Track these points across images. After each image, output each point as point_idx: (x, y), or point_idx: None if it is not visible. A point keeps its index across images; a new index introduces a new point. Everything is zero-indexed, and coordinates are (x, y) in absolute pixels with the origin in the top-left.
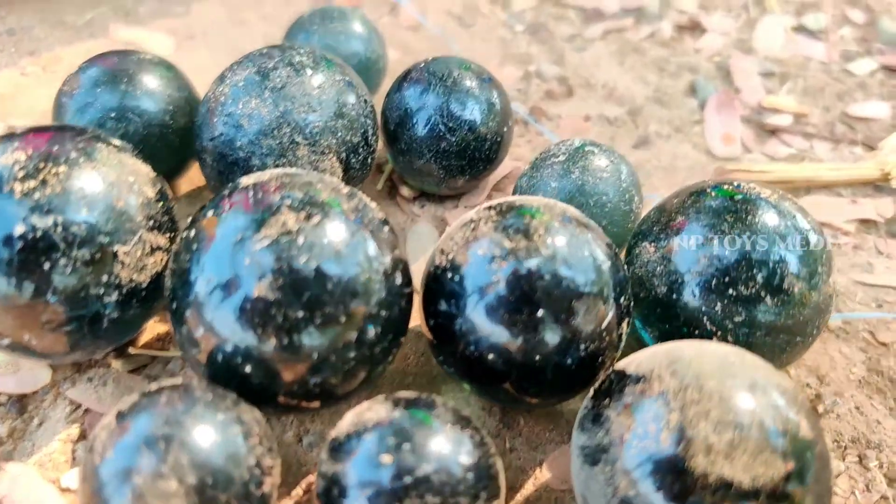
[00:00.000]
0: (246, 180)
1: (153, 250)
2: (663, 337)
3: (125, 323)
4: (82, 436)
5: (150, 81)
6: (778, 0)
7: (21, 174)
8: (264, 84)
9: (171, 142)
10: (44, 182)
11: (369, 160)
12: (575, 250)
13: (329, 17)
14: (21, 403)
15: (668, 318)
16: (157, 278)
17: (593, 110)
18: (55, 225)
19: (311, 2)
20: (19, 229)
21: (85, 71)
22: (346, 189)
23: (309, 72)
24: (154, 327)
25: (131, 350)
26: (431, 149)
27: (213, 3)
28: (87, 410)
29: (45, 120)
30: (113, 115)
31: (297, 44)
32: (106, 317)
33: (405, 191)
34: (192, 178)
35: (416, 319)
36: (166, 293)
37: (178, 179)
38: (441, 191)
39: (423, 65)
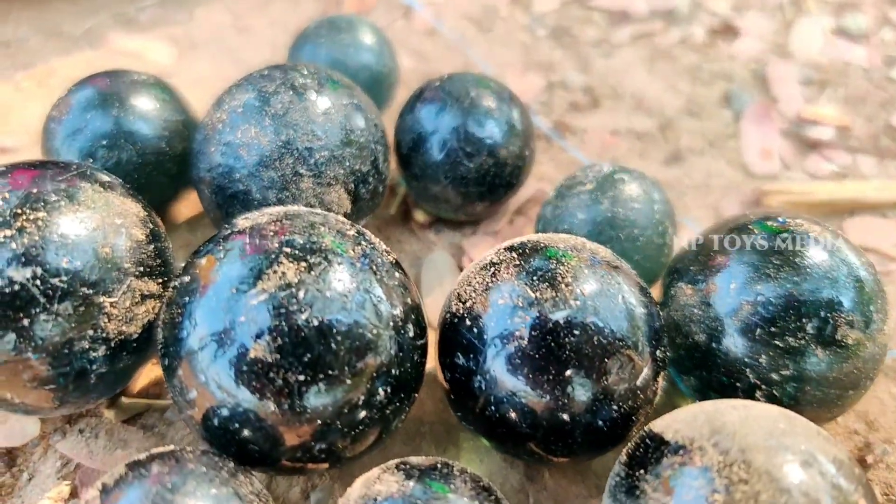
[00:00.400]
0: (243, 222)
1: (144, 298)
2: (700, 385)
3: (116, 375)
4: (73, 493)
5: (145, 104)
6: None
7: None
8: (264, 110)
9: (167, 169)
10: (21, 230)
11: (380, 189)
12: (607, 300)
13: (337, 28)
14: (9, 457)
15: (707, 367)
16: (150, 327)
17: (621, 123)
18: (34, 277)
19: (318, 7)
20: None
21: (74, 94)
22: (352, 230)
23: (313, 95)
24: (149, 371)
25: (124, 399)
26: (448, 175)
27: (216, 9)
28: (78, 465)
29: (36, 140)
30: (104, 142)
31: (300, 63)
32: (93, 372)
33: (419, 216)
34: (194, 201)
35: (434, 359)
36: (158, 346)
37: (177, 205)
38: (458, 217)
39: (437, 83)
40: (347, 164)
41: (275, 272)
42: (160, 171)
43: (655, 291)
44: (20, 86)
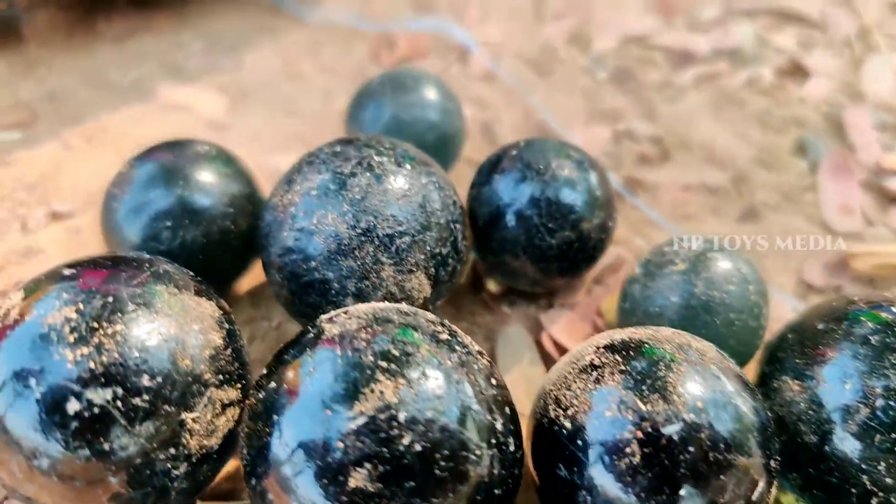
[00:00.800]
0: (330, 327)
1: (224, 408)
2: (807, 484)
3: (195, 486)
4: None
5: (209, 180)
6: (882, 34)
7: (73, 337)
8: (342, 194)
9: (233, 247)
10: (99, 347)
11: (459, 268)
12: (721, 411)
13: (401, 86)
14: None
15: (817, 467)
16: (230, 434)
17: (692, 177)
18: (115, 398)
19: (369, 50)
20: (73, 406)
21: (135, 169)
22: (444, 332)
23: (391, 176)
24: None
25: None
26: (528, 250)
27: (265, 54)
28: None
29: (90, 202)
30: (168, 222)
31: (373, 137)
32: (174, 489)
33: (492, 285)
34: (254, 273)
35: None
36: (242, 462)
37: (240, 280)
38: (534, 290)
39: (514, 152)
40: (428, 248)
41: (372, 391)
42: (225, 249)
43: (748, 372)
44: (69, 143)
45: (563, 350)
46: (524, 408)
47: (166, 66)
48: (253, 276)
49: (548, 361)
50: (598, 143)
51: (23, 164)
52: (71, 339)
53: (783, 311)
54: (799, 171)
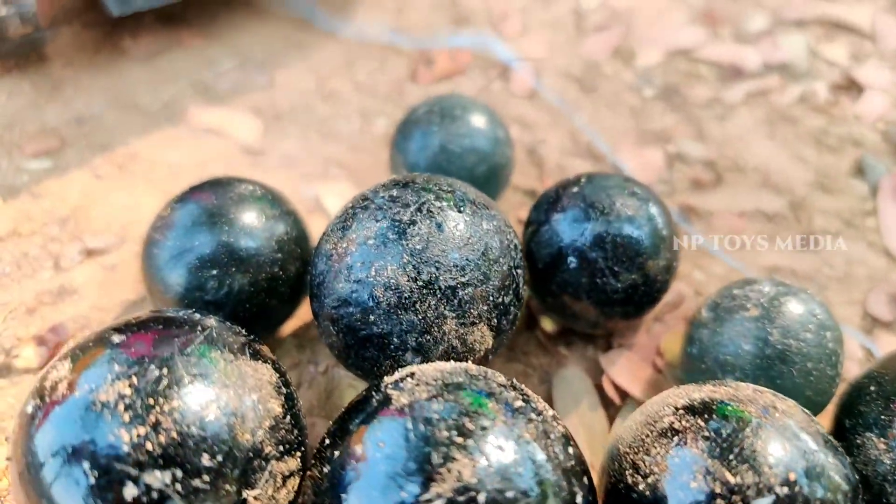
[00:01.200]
0: (397, 395)
1: (285, 480)
2: None
3: None
4: None
5: (255, 223)
6: None
7: (128, 416)
8: (401, 244)
9: (281, 294)
10: (156, 426)
11: (518, 315)
12: (814, 480)
13: (449, 115)
14: None
15: None
16: None
17: (748, 202)
18: (174, 481)
19: (405, 67)
20: (131, 492)
21: (176, 212)
22: (518, 399)
23: (452, 223)
24: None
25: None
26: (591, 294)
27: (297, 72)
28: None
29: (124, 236)
30: (214, 272)
31: (430, 178)
32: None
33: (547, 324)
34: (300, 312)
35: None
36: None
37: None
38: (593, 331)
39: (575, 189)
40: (491, 298)
41: (449, 470)
42: (273, 295)
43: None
44: (99, 172)
45: (623, 394)
46: (587, 457)
47: (196, 86)
48: (297, 317)
49: (608, 406)
50: (651, 169)
51: (53, 196)
52: (126, 417)
53: (851, 346)
54: (859, 195)
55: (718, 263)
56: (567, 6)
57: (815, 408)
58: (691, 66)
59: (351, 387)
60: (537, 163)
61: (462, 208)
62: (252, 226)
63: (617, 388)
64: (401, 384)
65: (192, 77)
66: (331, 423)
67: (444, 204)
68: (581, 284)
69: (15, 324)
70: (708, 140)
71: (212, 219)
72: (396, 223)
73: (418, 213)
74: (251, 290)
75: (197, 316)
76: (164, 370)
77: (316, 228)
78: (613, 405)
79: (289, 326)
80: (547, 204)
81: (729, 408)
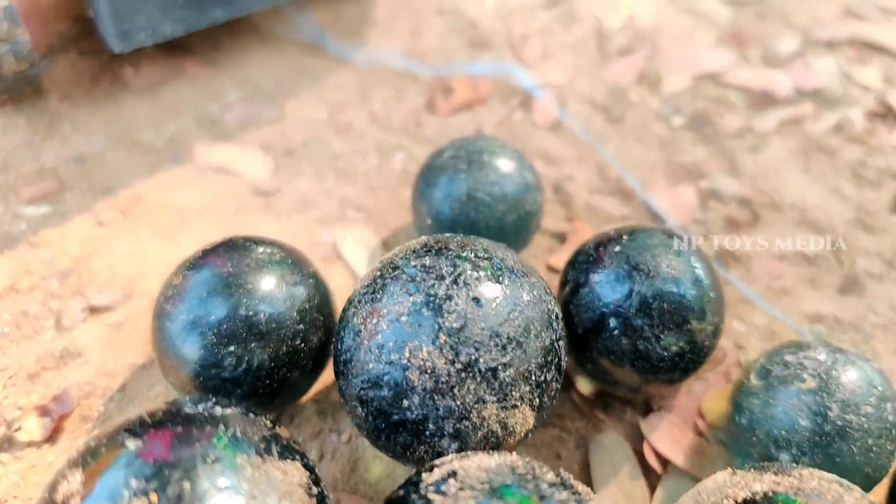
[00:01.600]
0: (441, 501)
1: None
2: None
3: None
4: None
5: (274, 291)
6: None
7: None
8: (437, 322)
9: (304, 366)
10: None
11: (559, 388)
12: None
13: (477, 161)
14: None
15: None
16: None
17: (787, 243)
18: None
19: (423, 95)
20: None
21: (188, 279)
22: (572, 501)
23: (491, 293)
24: None
25: None
26: (635, 361)
27: (309, 102)
28: None
29: (130, 290)
30: (231, 347)
31: (465, 245)
32: None
33: (583, 386)
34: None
35: None
36: None
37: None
38: (632, 396)
39: (616, 248)
40: (533, 378)
41: None
42: (296, 368)
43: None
44: (101, 217)
45: (664, 461)
46: None
47: (202, 120)
48: (318, 382)
49: (649, 474)
50: (685, 209)
51: (53, 246)
52: None
53: None
54: None
55: (759, 312)
56: (590, 26)
57: (873, 482)
58: (720, 92)
59: (377, 458)
60: (565, 202)
61: (501, 278)
62: (272, 295)
63: (658, 455)
64: (442, 487)
65: (198, 110)
66: None
67: (482, 274)
68: (624, 351)
69: (15, 391)
70: (741, 174)
71: (228, 289)
72: (432, 298)
73: (454, 287)
74: (272, 365)
75: (218, 410)
76: (187, 484)
77: (334, 279)
78: (654, 473)
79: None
80: (587, 262)
81: (791, 500)
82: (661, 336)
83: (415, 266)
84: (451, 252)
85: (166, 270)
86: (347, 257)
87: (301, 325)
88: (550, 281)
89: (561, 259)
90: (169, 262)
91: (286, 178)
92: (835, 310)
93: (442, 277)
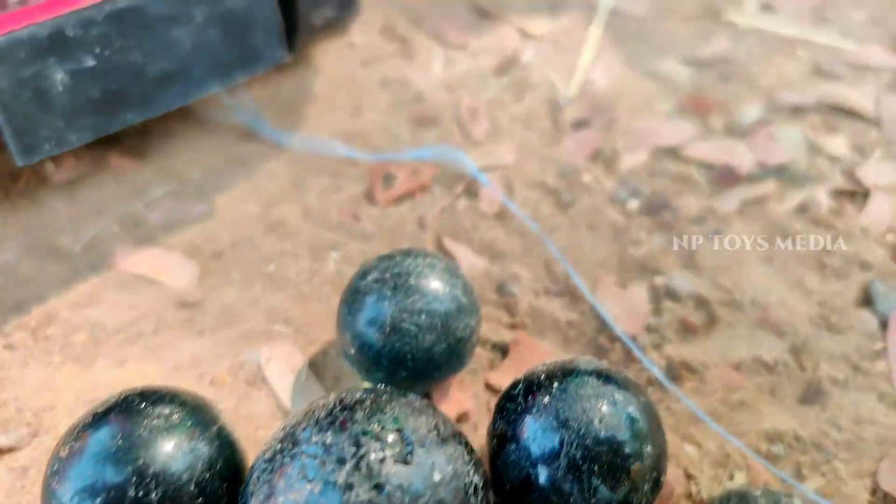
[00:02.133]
0: None
1: None
2: None
3: None
4: None
5: (169, 463)
6: None
7: None
8: None
9: None
10: None
11: None
12: None
13: (403, 287)
14: None
15: None
16: None
17: (744, 349)
18: None
19: (361, 187)
20: None
21: (73, 452)
22: None
23: (395, 479)
24: None
25: None
26: None
27: (239, 195)
28: None
29: (39, 428)
30: None
31: (372, 412)
32: None
33: None
34: None
35: None
36: None
37: None
38: None
39: (545, 399)
40: None
41: None
42: None
43: None
44: (11, 340)
45: None
46: None
47: (124, 222)
48: None
49: None
50: (636, 314)
51: None
52: None
53: None
54: (866, 331)
55: (711, 435)
56: (543, 95)
57: None
58: (680, 168)
59: None
60: (508, 305)
61: (410, 457)
62: (167, 470)
63: None
64: None
65: (120, 209)
66: None
67: (388, 454)
68: None
69: None
70: (700, 267)
71: (117, 466)
72: (330, 485)
73: (356, 473)
74: None
75: None
76: None
77: (257, 407)
78: None
79: None
80: (514, 413)
81: None
82: (594, 499)
83: (315, 443)
84: (355, 425)
85: (76, 402)
86: (272, 382)
87: (200, 500)
88: (489, 400)
89: (502, 377)
90: (80, 391)
91: (212, 285)
92: (795, 425)
93: (343, 462)
